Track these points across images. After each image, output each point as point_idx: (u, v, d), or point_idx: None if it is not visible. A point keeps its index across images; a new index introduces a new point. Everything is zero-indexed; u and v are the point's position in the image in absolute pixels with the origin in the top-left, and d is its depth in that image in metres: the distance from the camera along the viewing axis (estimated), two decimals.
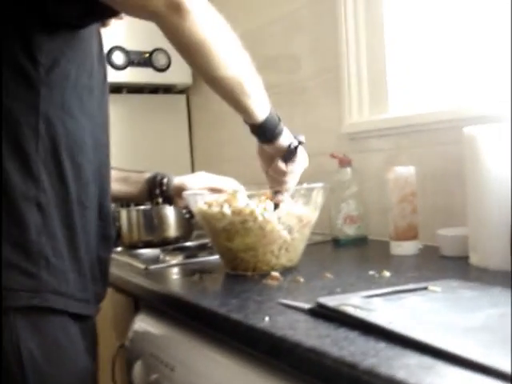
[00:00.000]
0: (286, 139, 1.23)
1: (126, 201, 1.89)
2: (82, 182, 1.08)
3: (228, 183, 1.47)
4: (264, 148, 1.25)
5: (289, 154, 1.23)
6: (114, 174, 1.47)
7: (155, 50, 2.46)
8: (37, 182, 1.01)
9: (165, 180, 1.50)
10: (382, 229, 1.60)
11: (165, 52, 2.47)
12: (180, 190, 1.47)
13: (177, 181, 1.52)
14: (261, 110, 1.16)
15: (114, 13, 1.04)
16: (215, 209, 1.26)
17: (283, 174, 1.25)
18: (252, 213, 1.22)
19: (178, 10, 0.96)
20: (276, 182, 1.27)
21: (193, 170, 2.84)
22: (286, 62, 2.11)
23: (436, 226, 1.42)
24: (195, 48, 1.03)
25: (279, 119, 1.21)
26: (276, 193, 1.26)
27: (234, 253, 1.26)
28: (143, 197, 1.55)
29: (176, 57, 2.58)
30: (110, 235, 1.19)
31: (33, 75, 1.00)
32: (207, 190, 1.43)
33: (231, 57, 1.08)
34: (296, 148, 1.22)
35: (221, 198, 1.29)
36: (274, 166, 1.24)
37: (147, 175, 1.53)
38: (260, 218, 1.22)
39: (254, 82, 1.13)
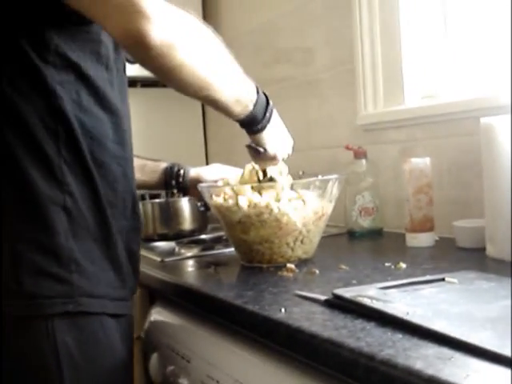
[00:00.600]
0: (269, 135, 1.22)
1: (140, 189, 1.89)
2: (109, 179, 1.06)
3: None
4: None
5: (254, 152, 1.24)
6: None
7: None
8: (62, 185, 1.00)
9: (181, 171, 1.51)
10: (398, 221, 1.60)
11: None
12: (196, 182, 1.47)
13: (193, 172, 1.52)
14: (240, 111, 1.14)
15: None
16: (230, 201, 1.26)
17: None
18: (268, 205, 1.22)
19: (145, 48, 0.90)
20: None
21: (207, 162, 2.84)
22: (299, 55, 2.11)
23: (452, 218, 1.41)
24: (169, 78, 1.00)
25: (265, 114, 1.18)
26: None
27: (250, 245, 1.26)
28: (159, 186, 1.55)
29: None
30: (139, 227, 1.18)
31: (45, 74, 0.99)
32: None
33: (207, 77, 1.03)
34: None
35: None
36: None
37: (164, 165, 1.53)
38: (276, 210, 1.22)
39: (232, 89, 1.10)
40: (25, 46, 0.98)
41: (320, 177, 1.34)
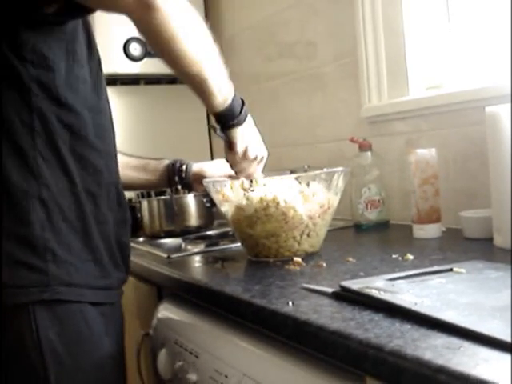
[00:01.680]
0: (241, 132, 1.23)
1: (145, 189, 1.90)
2: (89, 171, 1.08)
3: None
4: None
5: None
6: (132, 161, 1.48)
7: None
8: (38, 178, 1.02)
9: (183, 167, 1.51)
10: (404, 213, 1.59)
11: None
12: (199, 177, 1.47)
13: (195, 167, 1.52)
14: (221, 102, 1.16)
15: (90, 10, 1.03)
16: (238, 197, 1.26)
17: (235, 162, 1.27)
18: (274, 199, 1.21)
19: (147, 8, 0.96)
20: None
21: (212, 159, 2.84)
22: (302, 48, 2.10)
23: (459, 209, 1.40)
24: (164, 45, 1.03)
25: (241, 111, 1.20)
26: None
27: (256, 239, 1.26)
28: (162, 184, 1.55)
29: None
30: (127, 219, 1.20)
31: (22, 73, 1.01)
32: (226, 178, 1.43)
33: (198, 55, 1.07)
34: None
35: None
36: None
37: (166, 162, 1.54)
38: (282, 204, 1.21)
39: (217, 77, 1.13)
40: (2, 45, 1.00)
41: (325, 169, 1.33)
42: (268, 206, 1.22)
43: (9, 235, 1.00)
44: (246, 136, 1.23)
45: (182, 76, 1.11)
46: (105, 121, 1.15)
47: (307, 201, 1.23)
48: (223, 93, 1.15)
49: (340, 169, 1.28)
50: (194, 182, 1.52)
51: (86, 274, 1.06)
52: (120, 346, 1.15)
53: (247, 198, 1.24)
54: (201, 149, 2.81)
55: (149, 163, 1.55)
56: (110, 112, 1.19)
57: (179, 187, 1.56)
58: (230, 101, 1.17)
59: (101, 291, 1.08)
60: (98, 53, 1.17)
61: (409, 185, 1.44)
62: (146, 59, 2.39)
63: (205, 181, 1.36)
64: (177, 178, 1.50)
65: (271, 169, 1.38)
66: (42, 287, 1.00)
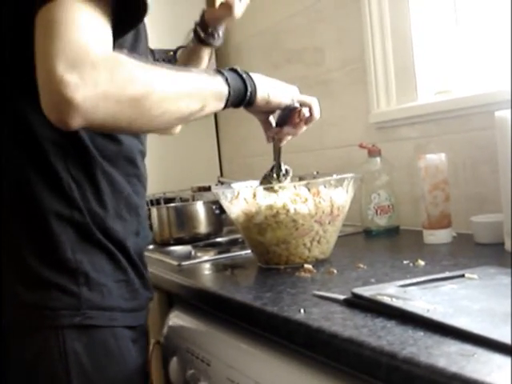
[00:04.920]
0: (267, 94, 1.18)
1: None
2: (121, 195, 1.06)
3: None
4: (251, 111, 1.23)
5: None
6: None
7: (180, 47, 2.45)
8: (70, 200, 1.00)
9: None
10: (414, 218, 1.59)
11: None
12: None
13: None
14: (223, 103, 1.06)
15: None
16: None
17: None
18: (284, 206, 1.21)
19: (68, 110, 0.82)
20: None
21: (221, 165, 2.84)
22: (310, 55, 2.10)
23: (469, 213, 1.40)
24: (132, 126, 0.93)
25: (244, 82, 1.11)
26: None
27: (266, 246, 1.26)
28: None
29: None
30: (149, 240, 1.19)
31: None
32: None
33: (172, 106, 0.95)
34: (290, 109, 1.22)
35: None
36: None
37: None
38: (292, 211, 1.21)
39: (203, 96, 1.01)
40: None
41: (335, 176, 1.34)
42: (278, 213, 1.22)
43: (40, 257, 0.99)
44: (273, 90, 1.19)
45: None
46: (137, 144, 1.12)
47: (317, 207, 1.23)
48: (217, 96, 1.05)
49: (350, 175, 1.27)
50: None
51: (118, 296, 1.04)
52: (144, 358, 1.13)
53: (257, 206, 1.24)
54: (210, 155, 2.82)
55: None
56: (145, 135, 1.17)
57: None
58: (226, 92, 1.05)
59: (131, 313, 1.06)
60: None
61: (418, 190, 1.44)
62: None
63: (213, 188, 1.35)
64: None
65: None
66: (73, 311, 0.98)
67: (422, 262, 1.16)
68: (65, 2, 0.86)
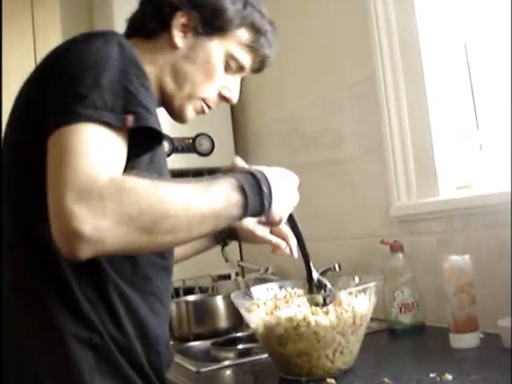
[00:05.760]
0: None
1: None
2: (138, 315, 1.05)
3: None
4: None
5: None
6: None
7: (198, 135, 2.48)
8: (88, 322, 0.98)
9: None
10: (440, 314, 1.54)
11: (208, 137, 2.50)
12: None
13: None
14: (232, 219, 0.99)
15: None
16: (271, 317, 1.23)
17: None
18: (305, 318, 1.18)
19: (77, 242, 0.81)
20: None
21: (240, 248, 2.82)
22: (328, 143, 2.10)
23: (496, 313, 1.35)
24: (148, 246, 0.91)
25: (262, 200, 1.02)
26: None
27: (287, 358, 1.22)
28: (211, 246, 1.50)
29: (219, 141, 2.60)
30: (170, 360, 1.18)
31: None
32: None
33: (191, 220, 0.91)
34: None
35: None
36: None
37: None
38: (313, 323, 1.18)
39: (216, 204, 0.95)
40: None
41: (357, 279, 1.32)
42: (299, 326, 1.18)
43: (55, 381, 0.96)
44: (281, 203, 1.08)
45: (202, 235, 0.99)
46: (157, 260, 1.11)
47: (339, 318, 1.19)
48: (230, 218, 0.98)
49: (373, 284, 1.24)
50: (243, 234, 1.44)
51: None
52: None
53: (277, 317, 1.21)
54: None
55: None
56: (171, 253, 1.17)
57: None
58: (241, 215, 0.99)
59: None
60: None
61: (443, 285, 1.40)
62: (173, 155, 2.42)
63: (232, 297, 1.32)
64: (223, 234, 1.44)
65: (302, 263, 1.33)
66: None
67: (449, 376, 1.11)
68: (78, 127, 0.87)
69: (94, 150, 0.86)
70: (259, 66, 1.24)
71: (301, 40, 2.22)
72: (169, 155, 2.39)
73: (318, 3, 2.11)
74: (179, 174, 2.62)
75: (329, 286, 1.29)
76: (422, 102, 1.67)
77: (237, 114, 2.67)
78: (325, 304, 1.23)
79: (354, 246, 1.98)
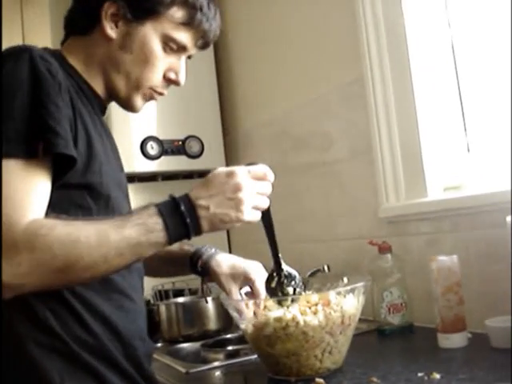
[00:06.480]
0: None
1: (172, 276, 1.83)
2: (102, 315, 1.06)
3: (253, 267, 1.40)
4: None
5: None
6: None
7: (188, 137, 2.48)
8: (45, 327, 1.00)
9: (199, 261, 1.40)
10: (428, 314, 1.54)
11: (197, 139, 2.49)
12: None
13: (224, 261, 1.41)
14: (155, 247, 1.00)
15: None
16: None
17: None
18: (294, 318, 1.19)
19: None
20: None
21: (230, 251, 2.82)
22: (318, 145, 2.11)
23: (484, 312, 1.37)
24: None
25: (185, 222, 1.02)
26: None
27: (276, 358, 1.23)
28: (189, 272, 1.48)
29: (209, 143, 2.59)
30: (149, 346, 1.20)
31: None
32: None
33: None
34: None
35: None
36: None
37: (190, 253, 1.42)
38: (302, 323, 1.18)
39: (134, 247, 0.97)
40: None
41: (345, 279, 1.32)
42: (287, 326, 1.19)
43: None
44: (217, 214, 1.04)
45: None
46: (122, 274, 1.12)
47: (328, 318, 1.20)
48: (154, 245, 0.99)
49: (361, 284, 1.25)
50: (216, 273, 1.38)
51: None
52: None
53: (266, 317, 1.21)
54: (219, 240, 2.80)
55: (175, 257, 1.43)
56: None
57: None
58: (164, 240, 0.99)
59: None
60: None
61: (431, 286, 1.40)
62: (163, 157, 2.41)
63: (221, 298, 1.33)
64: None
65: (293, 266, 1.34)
66: None
67: (437, 376, 1.12)
68: (4, 162, 0.91)
69: (14, 190, 0.90)
70: (203, 41, 1.22)
71: (290, 42, 2.23)
72: (158, 158, 2.39)
73: (306, 5, 2.12)
74: (169, 177, 2.62)
75: (298, 276, 1.28)
76: (410, 103, 1.68)
77: (226, 116, 2.67)
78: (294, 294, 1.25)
79: (343, 248, 1.99)
